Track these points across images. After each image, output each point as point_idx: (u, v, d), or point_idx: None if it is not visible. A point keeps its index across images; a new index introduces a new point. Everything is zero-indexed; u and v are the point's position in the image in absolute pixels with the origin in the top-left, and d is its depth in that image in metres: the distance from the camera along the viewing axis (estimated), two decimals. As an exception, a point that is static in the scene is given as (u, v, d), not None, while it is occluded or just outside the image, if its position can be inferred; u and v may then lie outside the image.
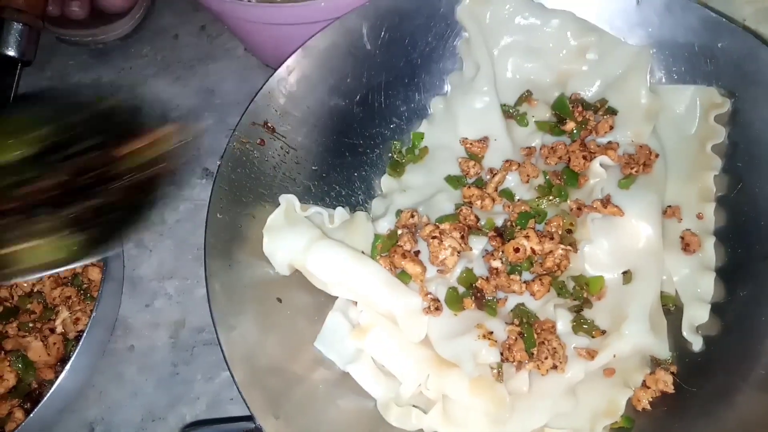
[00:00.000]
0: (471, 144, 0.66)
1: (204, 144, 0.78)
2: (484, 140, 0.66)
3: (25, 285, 0.68)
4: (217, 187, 0.57)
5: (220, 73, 0.83)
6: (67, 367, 0.59)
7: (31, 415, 0.58)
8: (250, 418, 0.49)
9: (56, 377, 0.59)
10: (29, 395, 0.64)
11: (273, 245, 0.58)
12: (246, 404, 0.49)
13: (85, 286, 0.68)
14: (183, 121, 0.80)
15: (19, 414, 0.61)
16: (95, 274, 0.68)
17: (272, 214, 0.59)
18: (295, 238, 0.58)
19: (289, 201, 0.60)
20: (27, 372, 0.63)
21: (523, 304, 0.57)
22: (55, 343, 0.64)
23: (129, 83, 0.83)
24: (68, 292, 0.67)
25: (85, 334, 0.61)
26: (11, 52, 0.73)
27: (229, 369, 0.51)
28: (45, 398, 0.58)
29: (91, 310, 0.62)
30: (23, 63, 0.75)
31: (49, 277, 0.67)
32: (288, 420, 0.51)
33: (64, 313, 0.66)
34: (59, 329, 0.65)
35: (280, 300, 0.58)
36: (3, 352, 0.65)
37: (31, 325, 0.66)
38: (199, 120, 0.80)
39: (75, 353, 0.60)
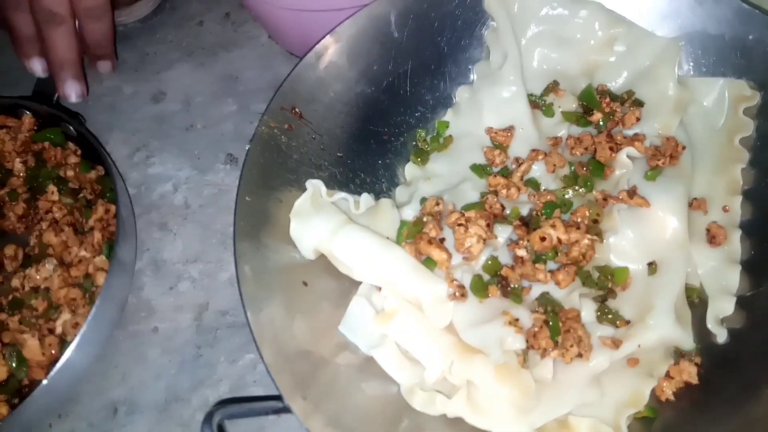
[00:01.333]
0: (496, 133, 0.66)
1: (227, 129, 0.79)
2: (510, 129, 0.66)
3: (37, 278, 0.67)
4: (246, 170, 0.57)
5: (243, 60, 0.83)
6: (57, 366, 0.60)
7: (14, 411, 0.58)
8: (277, 397, 0.49)
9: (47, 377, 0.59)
10: (19, 392, 0.63)
11: (299, 230, 0.59)
12: (275, 384, 0.49)
13: (93, 288, 0.67)
14: (206, 107, 0.80)
15: (3, 409, 0.61)
16: (102, 279, 0.67)
17: (299, 199, 0.60)
18: (321, 223, 0.59)
19: (315, 186, 0.60)
20: (19, 369, 0.63)
21: (548, 293, 0.57)
22: (50, 345, 0.64)
23: (153, 68, 0.84)
24: (74, 294, 0.66)
25: (79, 336, 0.61)
26: None
27: (258, 350, 0.51)
28: (31, 396, 0.58)
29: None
30: None
31: (59, 275, 0.67)
32: (315, 402, 0.51)
33: (66, 315, 0.65)
34: (58, 330, 0.65)
35: (305, 284, 0.58)
36: (0, 344, 0.65)
37: (33, 321, 0.66)
38: (222, 106, 0.80)
39: (66, 355, 0.60)
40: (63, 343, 0.65)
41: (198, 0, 0.88)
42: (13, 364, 0.63)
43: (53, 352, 0.64)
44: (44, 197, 0.71)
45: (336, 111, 0.65)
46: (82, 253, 0.69)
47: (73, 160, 0.73)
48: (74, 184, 0.72)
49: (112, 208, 0.70)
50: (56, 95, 0.76)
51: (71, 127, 0.73)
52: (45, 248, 0.69)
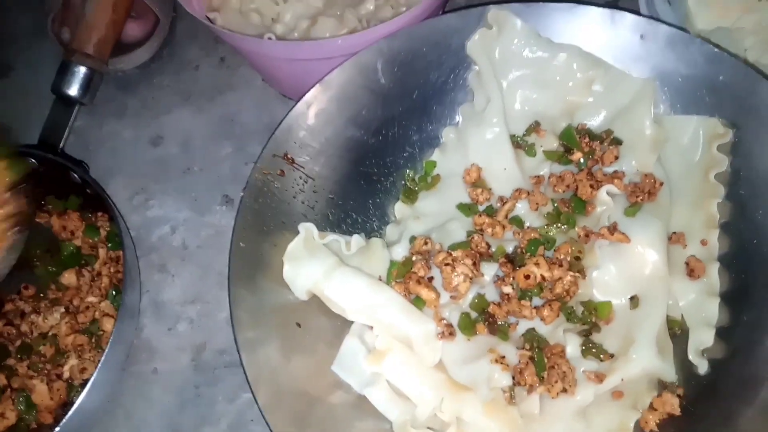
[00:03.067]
0: (467, 173, 0.68)
1: (224, 171, 0.81)
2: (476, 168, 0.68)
3: (44, 325, 0.70)
4: (240, 217, 0.60)
5: (239, 103, 0.86)
6: (71, 412, 0.61)
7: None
8: (272, 439, 0.51)
9: (55, 422, 0.61)
10: (26, 436, 0.65)
11: (293, 272, 0.61)
12: (268, 425, 0.51)
13: (100, 333, 0.70)
14: (204, 150, 0.83)
15: None
16: (109, 325, 0.69)
17: (292, 242, 0.62)
18: (314, 265, 0.61)
19: (307, 229, 0.63)
20: (28, 413, 0.65)
21: (533, 329, 0.59)
22: (58, 389, 0.66)
23: (152, 113, 0.87)
24: (80, 340, 0.69)
25: (91, 381, 0.62)
26: (73, 93, 0.76)
27: (252, 392, 0.53)
28: None
29: (99, 360, 0.63)
30: (81, 104, 0.78)
31: (66, 322, 0.69)
32: (309, 442, 0.53)
33: (73, 360, 0.67)
34: (66, 375, 0.67)
35: (299, 325, 0.60)
36: (9, 389, 0.66)
37: (41, 366, 0.68)
38: (219, 148, 0.83)
39: (79, 400, 0.61)
40: (70, 388, 0.67)
41: (194, 45, 0.91)
42: (22, 408, 0.65)
43: (61, 396, 0.67)
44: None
45: (327, 155, 0.68)
46: (90, 298, 0.72)
47: (73, 224, 0.76)
48: (85, 250, 0.75)
49: (118, 254, 0.73)
50: (61, 145, 0.79)
51: (76, 175, 0.76)
52: (63, 289, 0.72)
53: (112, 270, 0.73)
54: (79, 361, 0.67)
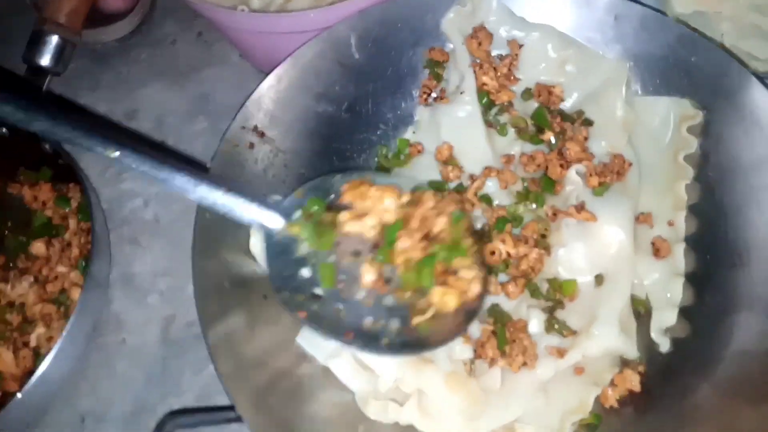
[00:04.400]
0: (439, 151, 0.68)
1: (198, 147, 0.81)
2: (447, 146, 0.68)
3: (12, 294, 0.69)
4: (207, 187, 0.59)
5: (215, 79, 0.86)
6: (33, 379, 0.60)
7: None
8: (231, 408, 0.51)
9: (21, 390, 0.60)
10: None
11: (260, 244, 0.61)
12: (228, 394, 0.51)
13: (68, 303, 0.69)
14: (178, 125, 0.83)
15: None
16: (77, 294, 0.68)
17: (260, 214, 0.62)
18: (280, 237, 0.61)
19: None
20: None
21: (498, 305, 0.60)
22: (24, 357, 0.66)
23: (127, 87, 0.86)
24: (48, 309, 0.69)
25: (55, 349, 0.62)
26: (45, 63, 0.75)
27: (214, 364, 0.53)
28: (5, 409, 0.59)
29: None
30: (53, 74, 0.76)
31: (34, 291, 0.69)
32: (270, 411, 0.53)
33: (40, 329, 0.67)
34: (32, 343, 0.67)
35: (265, 297, 0.60)
36: None
37: (8, 334, 0.67)
38: (193, 123, 0.82)
39: (42, 368, 0.61)
40: (37, 356, 0.67)
41: (172, 20, 0.90)
42: None
43: (27, 364, 0.67)
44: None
45: (298, 130, 0.67)
46: (59, 268, 0.71)
47: (45, 195, 0.75)
48: (56, 221, 0.75)
49: (89, 225, 0.72)
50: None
51: (47, 146, 0.75)
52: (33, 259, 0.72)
53: (82, 241, 0.73)
54: (46, 330, 0.67)
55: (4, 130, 0.76)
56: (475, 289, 0.55)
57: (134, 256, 0.75)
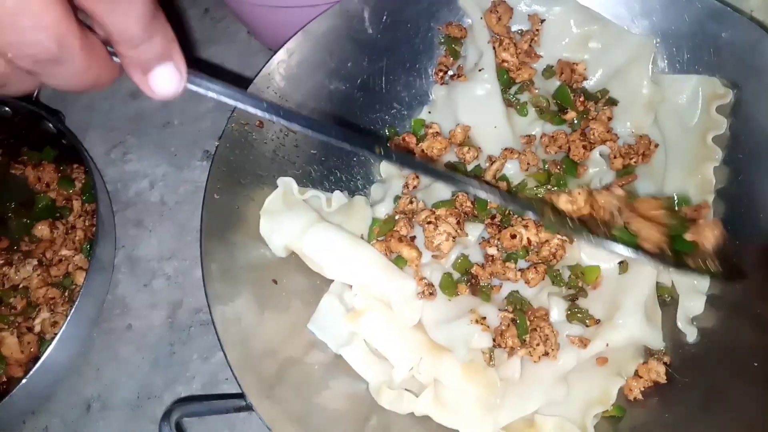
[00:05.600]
0: (453, 135, 0.65)
1: (205, 126, 0.79)
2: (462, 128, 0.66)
3: (16, 278, 0.68)
4: (214, 168, 0.57)
5: (222, 56, 0.83)
6: (37, 365, 0.59)
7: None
8: (239, 395, 0.49)
9: (25, 376, 0.59)
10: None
11: (270, 227, 0.59)
12: (238, 383, 0.49)
13: (73, 287, 0.67)
14: (184, 104, 0.80)
15: None
16: (83, 279, 0.66)
17: (270, 196, 0.60)
18: (292, 221, 0.58)
19: (286, 184, 0.60)
20: None
21: (517, 292, 0.57)
22: (29, 342, 0.64)
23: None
24: (53, 293, 0.67)
25: (59, 334, 0.60)
26: None
27: (222, 350, 0.51)
28: (9, 395, 0.58)
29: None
30: None
31: (38, 275, 0.67)
32: (280, 400, 0.51)
33: (45, 314, 0.65)
34: (37, 328, 0.65)
35: (275, 282, 0.58)
36: None
37: (11, 319, 0.66)
38: (200, 102, 0.80)
39: (46, 354, 0.60)
40: (41, 341, 0.65)
41: (178, -5, 0.87)
42: None
43: (32, 349, 0.65)
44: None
45: (309, 108, 0.65)
46: (63, 251, 0.69)
47: (48, 176, 0.73)
48: (59, 202, 0.73)
49: (94, 207, 0.70)
50: (35, 93, 0.76)
51: (51, 125, 0.73)
52: (36, 241, 0.70)
53: (86, 223, 0.71)
54: (50, 315, 0.65)
55: (6, 108, 0.74)
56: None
57: (140, 239, 0.73)
